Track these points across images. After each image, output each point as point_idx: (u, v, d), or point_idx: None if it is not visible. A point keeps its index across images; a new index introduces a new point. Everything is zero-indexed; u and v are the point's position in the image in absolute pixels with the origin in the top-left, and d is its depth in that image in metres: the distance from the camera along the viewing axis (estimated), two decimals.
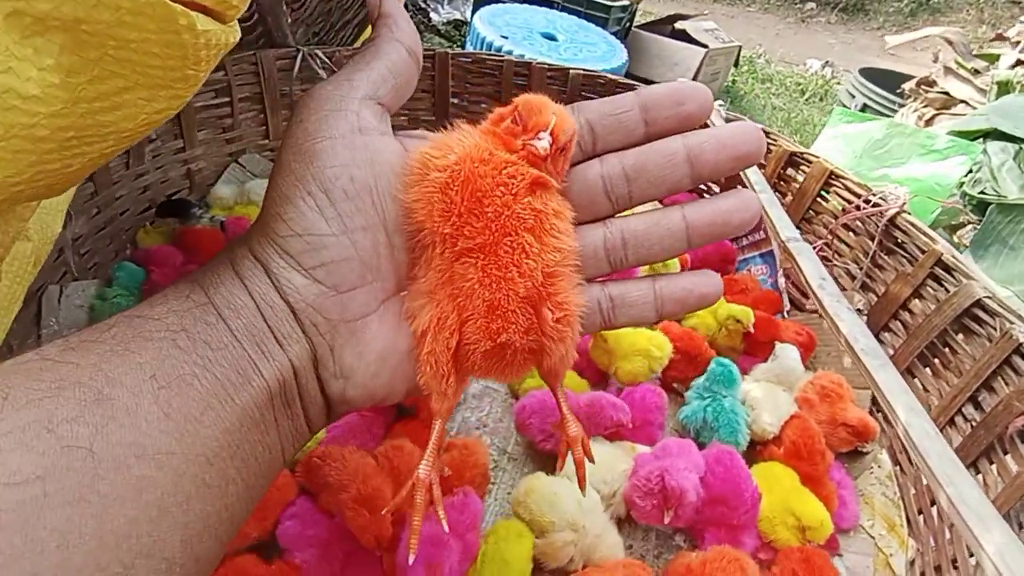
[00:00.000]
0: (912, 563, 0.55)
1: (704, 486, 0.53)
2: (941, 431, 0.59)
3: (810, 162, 0.78)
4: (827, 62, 3.12)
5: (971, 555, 0.48)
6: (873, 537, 0.60)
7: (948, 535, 0.52)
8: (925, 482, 0.56)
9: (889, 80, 1.77)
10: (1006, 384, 0.51)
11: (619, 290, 0.27)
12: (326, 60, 0.91)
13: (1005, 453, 0.48)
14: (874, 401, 0.66)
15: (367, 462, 0.48)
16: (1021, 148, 0.83)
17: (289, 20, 0.86)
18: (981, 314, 0.55)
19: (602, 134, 0.26)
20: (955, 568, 0.50)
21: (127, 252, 0.75)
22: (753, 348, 0.72)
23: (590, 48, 1.56)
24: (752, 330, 0.71)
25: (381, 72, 0.26)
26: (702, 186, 0.97)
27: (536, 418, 0.58)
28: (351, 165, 0.23)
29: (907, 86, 1.54)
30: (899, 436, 0.38)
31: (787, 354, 0.65)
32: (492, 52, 1.05)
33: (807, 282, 0.50)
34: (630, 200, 0.27)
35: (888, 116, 1.49)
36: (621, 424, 0.59)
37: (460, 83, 1.07)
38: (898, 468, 0.63)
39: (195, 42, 0.16)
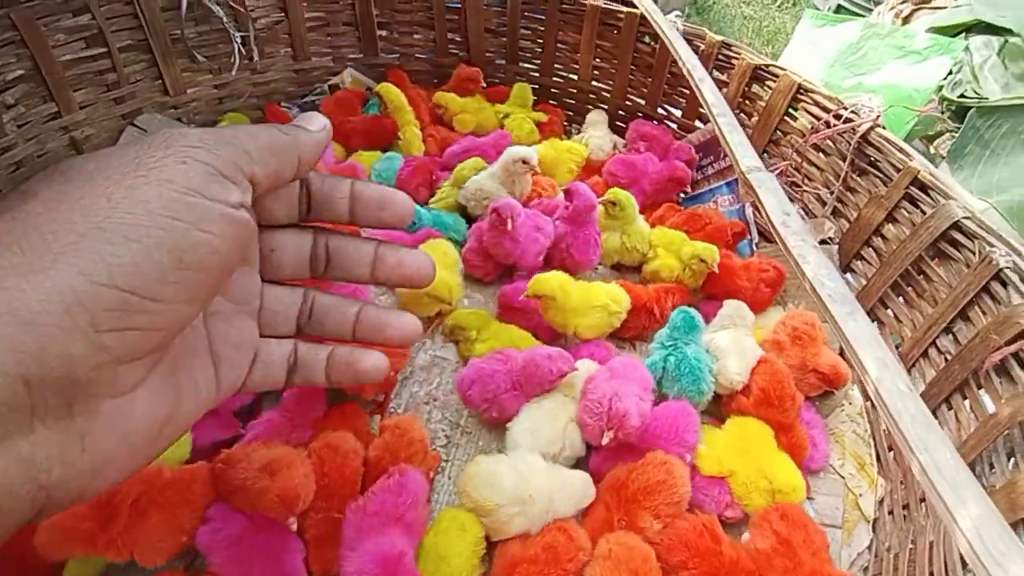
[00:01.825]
0: (881, 502, 0.53)
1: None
2: (913, 365, 0.56)
3: (776, 76, 0.70)
4: None
5: None
6: (843, 477, 0.57)
7: None
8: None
9: None
10: (983, 314, 0.46)
11: (303, 350, 0.30)
12: None
13: (979, 388, 0.45)
14: None
15: (280, 452, 0.44)
16: (1006, 41, 0.75)
17: None
18: (959, 237, 0.50)
19: (316, 206, 0.28)
20: (923, 505, 0.48)
21: None
22: (715, 290, 0.67)
23: None
24: (717, 270, 0.66)
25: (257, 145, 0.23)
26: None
27: (476, 387, 0.54)
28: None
29: None
30: (869, 394, 0.33)
31: (731, 305, 0.62)
32: None
33: (768, 219, 0.44)
34: (323, 275, 0.30)
35: (863, 16, 1.38)
36: (563, 374, 0.54)
37: (385, 11, 0.93)
38: (869, 403, 0.61)
39: None
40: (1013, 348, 0.41)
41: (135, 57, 0.75)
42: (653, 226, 0.75)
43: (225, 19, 0.80)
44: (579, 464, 0.53)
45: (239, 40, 0.82)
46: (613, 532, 0.45)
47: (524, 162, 0.72)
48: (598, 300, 0.62)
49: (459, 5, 0.93)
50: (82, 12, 0.67)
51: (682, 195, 0.86)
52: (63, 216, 0.18)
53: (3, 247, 0.17)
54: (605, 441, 0.49)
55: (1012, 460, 0.38)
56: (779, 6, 2.48)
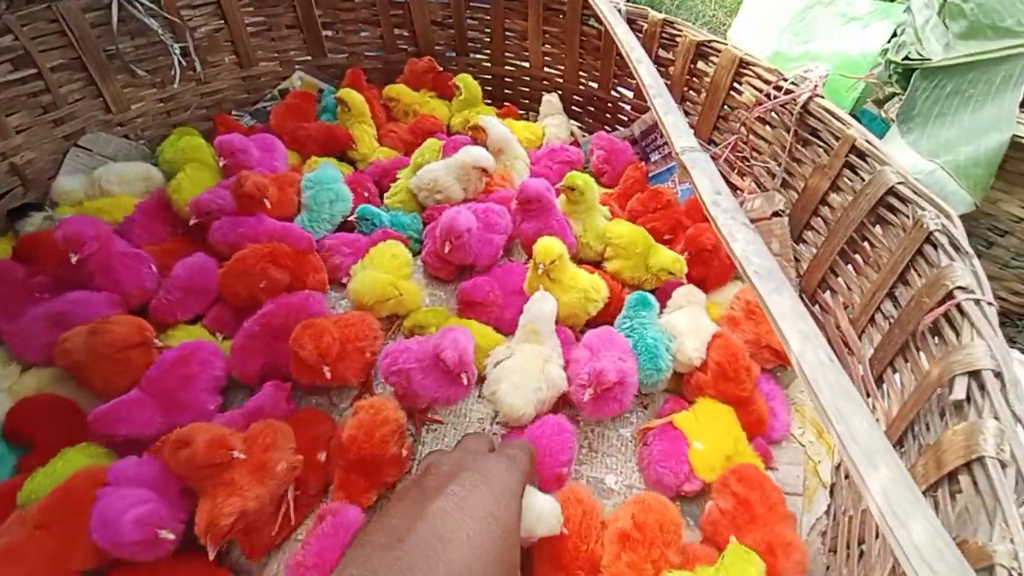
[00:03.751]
0: (838, 467, 0.54)
1: None
2: (863, 332, 0.56)
3: (718, 51, 0.70)
4: None
5: None
6: (803, 445, 0.59)
7: None
8: None
9: None
10: (919, 276, 0.47)
11: None
12: (150, 5, 0.76)
13: (918, 351, 0.46)
14: None
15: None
16: (945, 1, 0.76)
17: None
18: (895, 202, 0.51)
19: None
20: None
21: None
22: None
23: None
24: (685, 281, 0.67)
25: None
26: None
27: (387, 360, 0.55)
28: None
29: None
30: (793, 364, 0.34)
31: (683, 288, 0.64)
32: None
33: (701, 198, 0.44)
34: None
35: None
36: (456, 366, 0.51)
37: (328, 11, 0.91)
38: None
39: None
40: (942, 309, 0.41)
41: (70, 76, 0.74)
42: (614, 214, 0.75)
43: (160, 31, 0.78)
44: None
45: (178, 51, 0.81)
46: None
47: (483, 170, 0.72)
48: (580, 283, 0.63)
49: (403, 0, 0.91)
50: (4, 33, 0.65)
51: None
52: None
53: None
54: (586, 397, 0.53)
55: (944, 419, 0.39)
56: None
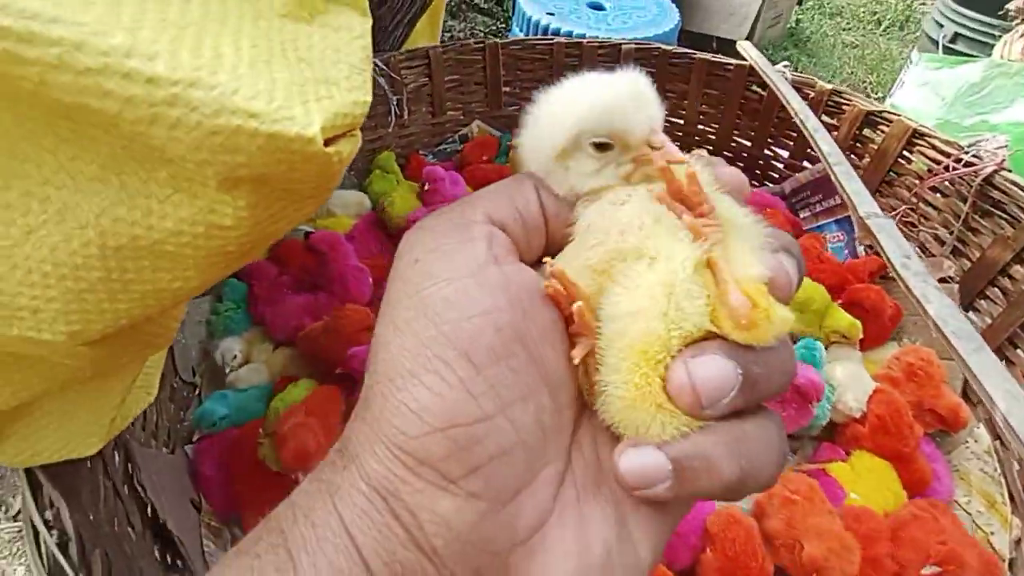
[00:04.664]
0: (1018, 542, 0.54)
1: None
2: None
3: (889, 121, 0.73)
4: None
5: None
6: (970, 514, 0.58)
7: None
8: None
9: (988, 1, 1.56)
10: None
11: None
12: (382, 67, 0.95)
13: None
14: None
15: None
16: None
17: None
18: None
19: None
20: None
21: None
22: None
23: (640, 13, 1.50)
24: (858, 346, 0.69)
25: (503, 198, 0.20)
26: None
27: None
28: (493, 311, 0.16)
29: (1013, 5, 1.35)
30: (999, 427, 0.37)
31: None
32: (541, 36, 1.04)
33: (889, 261, 0.48)
34: None
35: (987, 45, 1.33)
36: None
37: (511, 71, 1.07)
38: (998, 442, 0.61)
39: (339, 165, 0.20)
40: None
41: None
42: None
43: (386, 87, 0.96)
44: None
45: (395, 102, 0.99)
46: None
47: None
48: None
49: (576, 62, 1.04)
50: None
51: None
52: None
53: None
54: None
55: None
56: (884, 31, 2.40)
